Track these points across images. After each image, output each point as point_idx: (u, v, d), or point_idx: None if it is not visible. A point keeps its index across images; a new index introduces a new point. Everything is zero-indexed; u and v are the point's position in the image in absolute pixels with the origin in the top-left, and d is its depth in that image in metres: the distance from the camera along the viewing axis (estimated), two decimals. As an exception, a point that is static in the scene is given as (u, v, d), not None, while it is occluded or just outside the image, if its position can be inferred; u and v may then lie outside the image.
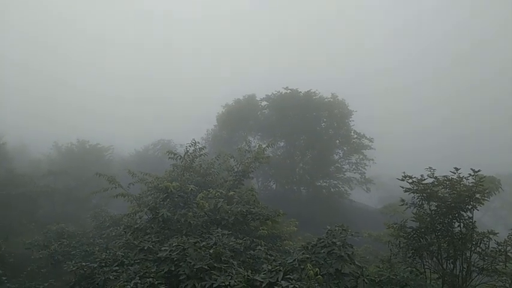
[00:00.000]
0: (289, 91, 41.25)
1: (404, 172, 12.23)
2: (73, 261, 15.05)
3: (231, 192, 16.56)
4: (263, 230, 14.80)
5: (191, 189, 15.97)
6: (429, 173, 12.02)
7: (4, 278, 15.79)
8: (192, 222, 14.15)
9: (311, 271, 8.84)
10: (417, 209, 12.26)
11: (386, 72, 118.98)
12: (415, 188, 12.02)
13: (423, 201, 12.09)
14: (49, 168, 34.78)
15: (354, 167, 40.11)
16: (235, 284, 9.57)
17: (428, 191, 11.77)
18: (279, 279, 9.24)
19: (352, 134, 39.85)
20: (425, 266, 11.92)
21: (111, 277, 11.22)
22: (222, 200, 15.38)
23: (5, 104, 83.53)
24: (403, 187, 12.34)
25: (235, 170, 18.86)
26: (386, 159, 48.89)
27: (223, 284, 9.61)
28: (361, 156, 39.95)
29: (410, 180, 12.09)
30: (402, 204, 12.76)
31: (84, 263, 13.21)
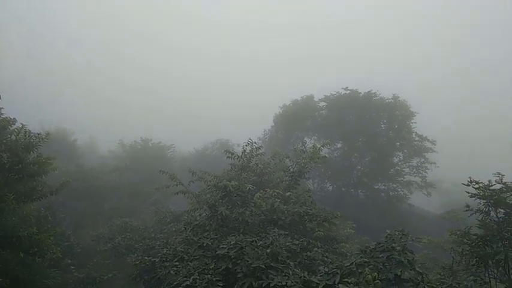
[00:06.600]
0: (348, 91, 40.55)
1: (470, 177, 11.65)
2: (135, 255, 16.01)
3: (288, 193, 16.64)
4: (320, 231, 14.76)
5: (249, 188, 16.24)
6: (497, 178, 11.36)
7: (72, 268, 17.10)
8: (249, 221, 14.43)
9: (369, 275, 8.71)
10: (483, 216, 11.63)
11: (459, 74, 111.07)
12: (481, 194, 11.41)
13: (490, 208, 11.46)
14: (114, 164, 36.96)
15: (414, 170, 38.67)
16: (292, 284, 9.67)
17: (496, 197, 11.13)
18: (336, 282, 9.20)
19: (414, 136, 38.39)
20: (491, 276, 11.27)
21: (171, 272, 11.76)
22: (279, 200, 15.52)
23: (76, 104, 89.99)
24: (468, 192, 11.76)
25: (291, 170, 18.90)
26: (449, 163, 46.50)
27: (280, 284, 9.75)
28: (422, 160, 38.41)
29: (476, 186, 11.50)
30: (467, 210, 12.15)
31: (146, 257, 13.96)
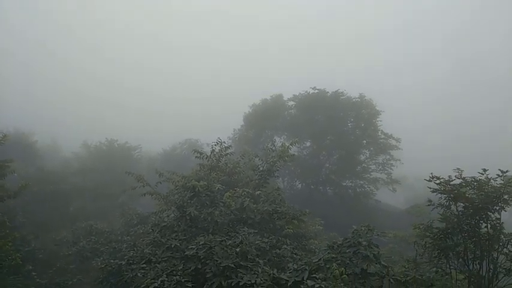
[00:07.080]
0: (316, 91, 41.11)
1: (431, 173, 12.07)
2: (101, 258, 15.59)
3: (258, 192, 16.67)
4: (289, 229, 14.88)
5: (218, 188, 16.16)
6: (457, 173, 11.82)
7: (34, 274, 16.42)
8: (218, 220, 14.36)
9: (337, 270, 8.85)
10: (444, 210, 12.10)
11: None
12: (442, 189, 11.84)
13: (450, 202, 11.92)
14: (78, 166, 35.85)
15: (380, 167, 39.74)
16: (261, 282, 9.70)
17: (456, 191, 11.59)
18: (305, 278, 9.30)
19: (380, 134, 39.43)
20: (451, 267, 11.76)
21: (138, 274, 11.56)
22: (249, 199, 15.53)
23: (37, 102, 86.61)
24: (430, 188, 12.18)
25: (261, 169, 18.95)
26: (413, 160, 48.02)
27: (249, 283, 9.76)
28: (387, 157, 39.54)
29: (437, 181, 11.92)
30: (429, 205, 12.59)
31: (112, 260, 13.63)
